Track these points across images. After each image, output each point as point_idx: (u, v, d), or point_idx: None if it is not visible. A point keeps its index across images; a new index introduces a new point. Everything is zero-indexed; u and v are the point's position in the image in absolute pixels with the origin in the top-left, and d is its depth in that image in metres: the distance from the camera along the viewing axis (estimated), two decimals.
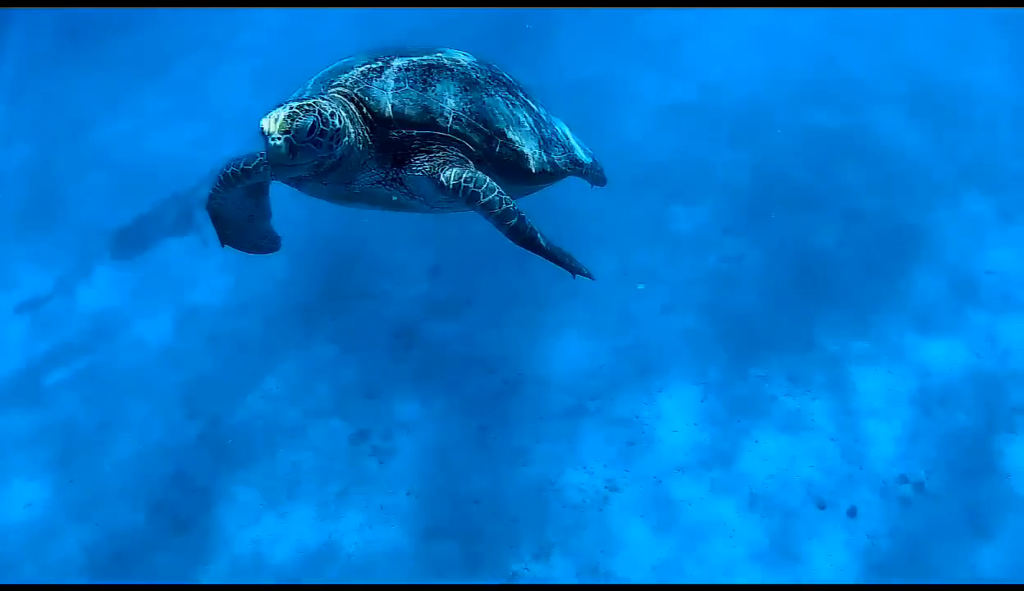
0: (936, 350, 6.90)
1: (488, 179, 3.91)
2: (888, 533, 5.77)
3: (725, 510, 6.00)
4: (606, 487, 6.22)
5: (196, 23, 14.08)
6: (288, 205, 8.39)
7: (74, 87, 13.15)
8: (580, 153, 4.87)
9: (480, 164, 4.03)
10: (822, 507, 5.94)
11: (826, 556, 5.71)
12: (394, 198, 4.18)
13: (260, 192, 4.58)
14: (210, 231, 8.99)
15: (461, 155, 4.00)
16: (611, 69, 10.49)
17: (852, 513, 5.88)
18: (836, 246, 7.74)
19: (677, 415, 6.57)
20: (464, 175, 3.87)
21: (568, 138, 4.82)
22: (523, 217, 3.91)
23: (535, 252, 3.95)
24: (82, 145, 11.64)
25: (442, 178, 3.89)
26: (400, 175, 4.01)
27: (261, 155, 4.06)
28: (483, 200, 3.86)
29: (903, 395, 6.57)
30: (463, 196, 3.89)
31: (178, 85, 12.63)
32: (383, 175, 4.03)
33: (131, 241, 9.70)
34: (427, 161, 3.94)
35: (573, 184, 5.17)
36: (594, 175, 5.19)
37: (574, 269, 4.05)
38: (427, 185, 3.98)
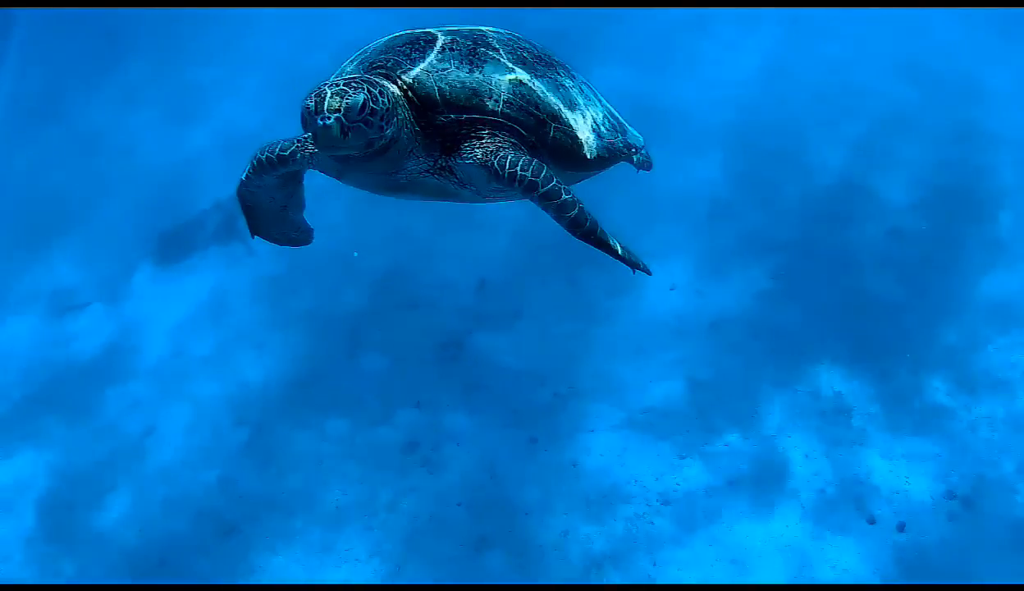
0: (978, 368, 6.92)
1: (545, 167, 3.63)
2: (935, 547, 5.79)
3: (776, 524, 6.04)
4: (658, 500, 6.26)
5: (227, 29, 14.28)
6: (332, 215, 8.54)
7: (113, 94, 13.38)
8: (633, 134, 4.53)
9: (534, 151, 3.74)
10: (872, 522, 5.96)
11: (874, 570, 5.74)
12: (443, 188, 3.92)
13: (294, 181, 4.31)
14: (254, 240, 9.16)
15: (513, 141, 3.73)
16: (655, 83, 10.51)
17: (901, 528, 5.91)
18: (879, 264, 7.77)
19: (727, 429, 6.61)
20: (520, 163, 3.59)
21: (619, 118, 4.48)
22: (583, 208, 3.61)
23: (594, 245, 3.63)
24: (124, 153, 11.83)
25: (496, 166, 3.62)
26: (449, 163, 3.75)
27: (298, 141, 3.87)
28: (541, 190, 3.57)
29: (951, 413, 6.59)
30: (519, 186, 3.60)
31: (217, 91, 12.79)
32: (431, 163, 3.78)
33: (174, 248, 9.79)
34: (478, 148, 3.69)
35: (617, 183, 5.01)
36: (642, 158, 4.88)
37: (633, 264, 3.72)
38: (479, 174, 3.70)
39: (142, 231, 10.04)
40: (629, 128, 4.45)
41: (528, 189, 3.56)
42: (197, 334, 8.54)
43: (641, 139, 4.50)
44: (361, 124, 3.34)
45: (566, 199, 3.56)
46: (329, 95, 3.27)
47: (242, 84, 12.73)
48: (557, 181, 3.57)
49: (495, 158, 3.60)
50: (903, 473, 6.21)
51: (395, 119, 3.48)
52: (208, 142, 11.24)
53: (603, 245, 3.59)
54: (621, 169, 4.43)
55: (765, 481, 6.26)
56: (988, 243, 8.00)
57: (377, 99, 3.38)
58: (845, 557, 5.80)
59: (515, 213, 8.49)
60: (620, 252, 3.63)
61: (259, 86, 12.33)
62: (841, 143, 9.41)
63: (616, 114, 4.41)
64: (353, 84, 3.34)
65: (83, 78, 14.05)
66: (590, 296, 7.80)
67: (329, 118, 3.28)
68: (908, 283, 7.60)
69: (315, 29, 13.01)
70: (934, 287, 7.53)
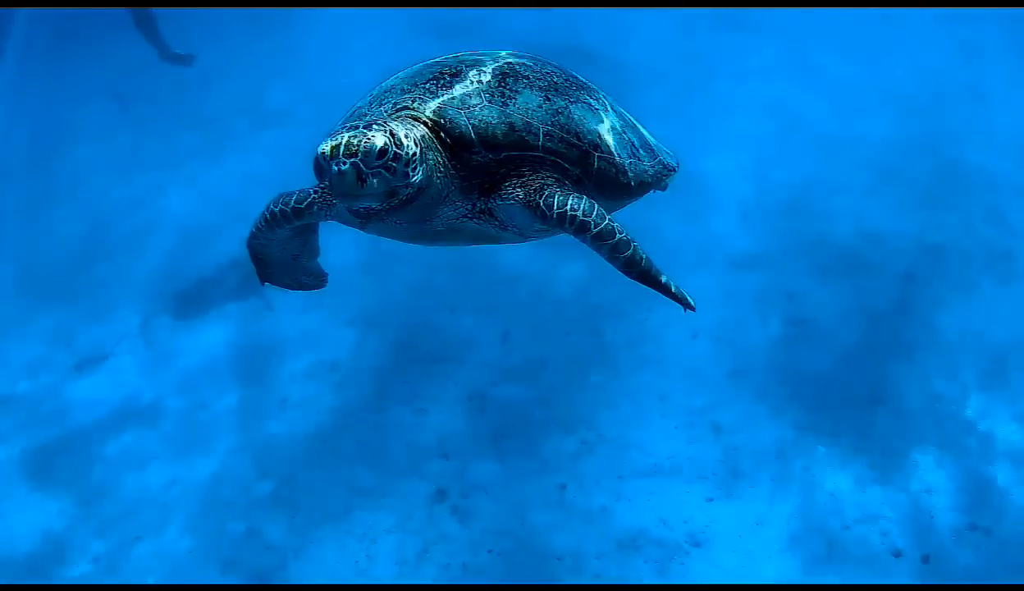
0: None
1: (596, 205, 3.39)
2: (960, 577, 5.93)
3: (804, 561, 6.15)
4: (687, 542, 6.35)
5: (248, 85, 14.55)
6: (350, 270, 8.67)
7: (136, 147, 13.59)
8: (667, 154, 4.23)
9: (578, 184, 3.55)
10: (897, 555, 6.10)
11: None
12: (483, 232, 3.66)
13: (309, 231, 4.10)
14: (273, 296, 9.25)
15: (556, 176, 3.48)
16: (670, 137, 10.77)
17: (926, 560, 6.05)
18: (895, 309, 7.96)
19: (754, 471, 6.74)
20: (569, 202, 3.34)
21: (650, 138, 4.19)
22: (637, 246, 3.40)
23: (648, 284, 3.45)
24: (142, 206, 11.98)
25: (542, 206, 3.37)
26: (489, 205, 3.51)
27: (314, 192, 3.65)
28: (594, 230, 3.35)
29: (968, 450, 6.78)
30: (570, 227, 3.37)
31: (237, 146, 12.98)
32: (470, 207, 3.52)
33: (192, 304, 9.82)
34: (519, 187, 3.43)
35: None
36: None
37: (683, 300, 3.51)
38: (522, 215, 3.47)
39: (159, 286, 10.12)
40: (661, 147, 4.21)
41: (580, 230, 3.35)
42: (217, 388, 8.55)
43: (675, 159, 4.25)
44: (382, 170, 3.08)
45: (620, 238, 3.36)
46: (345, 138, 3.04)
47: (265, 136, 12.83)
48: (610, 219, 3.37)
49: (540, 197, 3.37)
50: (925, 507, 6.37)
51: (424, 165, 3.23)
52: (227, 195, 11.35)
53: (656, 283, 3.43)
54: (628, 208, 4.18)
55: (794, 519, 6.38)
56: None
57: (401, 143, 3.12)
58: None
59: (536, 267, 8.74)
60: (673, 290, 3.46)
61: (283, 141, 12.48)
62: (851, 191, 9.69)
63: (646, 133, 4.18)
64: (373, 126, 3.11)
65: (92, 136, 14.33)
66: (613, 346, 7.94)
67: (345, 163, 3.03)
68: (924, 324, 7.81)
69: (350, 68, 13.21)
70: (949, 327, 7.75)
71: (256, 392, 8.38)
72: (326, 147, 3.07)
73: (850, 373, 7.38)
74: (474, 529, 6.69)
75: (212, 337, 9.27)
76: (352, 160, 3.04)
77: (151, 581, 6.75)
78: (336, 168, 3.04)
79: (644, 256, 3.41)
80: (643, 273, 3.42)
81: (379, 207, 3.24)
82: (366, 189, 3.08)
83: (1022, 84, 11.51)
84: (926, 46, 12.43)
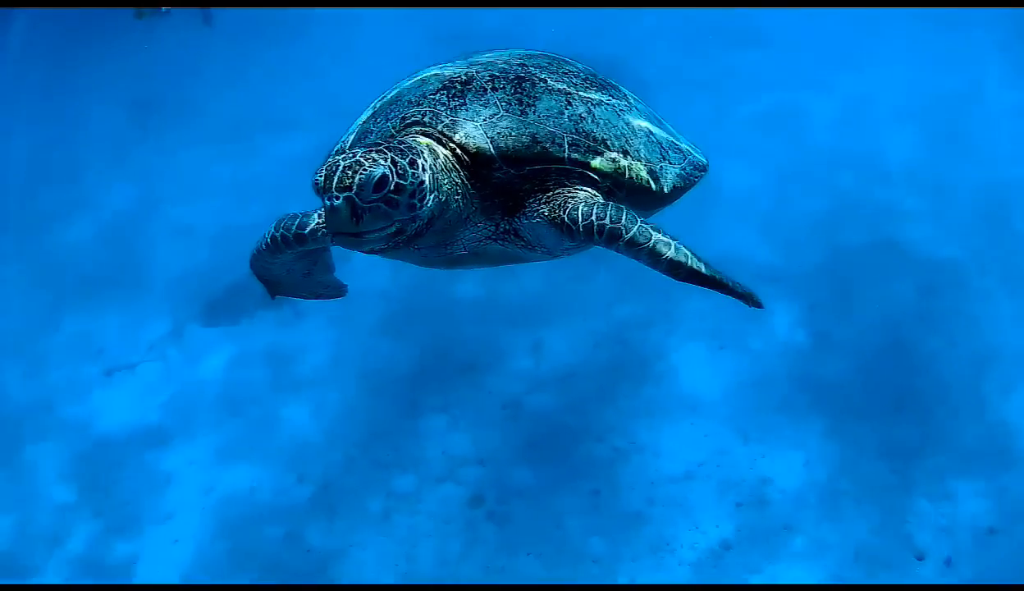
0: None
1: (625, 209, 3.08)
2: (982, 580, 6.17)
3: (831, 564, 6.40)
4: (719, 546, 6.60)
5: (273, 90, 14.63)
6: (380, 279, 8.82)
7: (168, 155, 13.71)
8: (696, 153, 3.86)
9: (610, 196, 3.24)
10: (921, 558, 6.35)
11: None
12: (509, 253, 3.38)
13: (319, 250, 3.71)
14: (304, 304, 9.43)
15: (585, 188, 3.18)
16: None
17: (948, 563, 6.30)
18: (916, 319, 8.22)
19: (781, 478, 6.99)
20: (595, 211, 3.04)
21: (677, 136, 3.84)
22: (679, 245, 3.07)
23: (702, 285, 3.12)
24: (172, 212, 12.14)
25: (567, 221, 3.07)
26: (514, 225, 3.22)
27: (318, 217, 3.32)
28: (626, 237, 3.03)
29: (990, 456, 7.00)
30: (600, 238, 3.06)
31: (265, 150, 13.19)
32: (493, 228, 3.23)
33: (222, 310, 9.96)
34: (544, 203, 3.13)
35: None
36: None
37: (746, 296, 3.18)
38: (549, 233, 3.18)
39: (189, 293, 10.25)
40: (690, 146, 3.86)
41: (611, 239, 3.05)
42: (251, 395, 8.72)
43: (704, 156, 3.90)
44: (380, 204, 2.72)
45: (657, 240, 3.04)
46: (340, 168, 2.67)
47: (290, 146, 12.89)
48: (642, 222, 3.07)
49: (564, 212, 3.08)
50: (948, 512, 6.62)
51: (435, 192, 2.90)
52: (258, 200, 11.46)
53: (711, 282, 3.10)
54: None
55: (822, 524, 6.63)
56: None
57: (405, 172, 2.76)
58: None
59: (564, 277, 8.94)
60: (731, 286, 3.13)
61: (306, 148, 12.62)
62: (872, 203, 9.95)
63: (672, 129, 3.85)
64: (373, 152, 2.74)
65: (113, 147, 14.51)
66: (641, 356, 8.18)
67: (338, 197, 2.65)
68: (943, 334, 8.05)
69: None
70: (970, 337, 7.99)
71: (290, 398, 8.56)
72: (319, 176, 2.72)
73: (873, 382, 7.63)
74: (511, 533, 6.92)
75: (243, 344, 9.45)
76: (346, 194, 2.65)
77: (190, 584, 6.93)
78: (328, 202, 2.67)
79: (689, 254, 3.07)
80: (692, 274, 3.06)
81: (380, 247, 2.88)
82: (363, 226, 2.72)
83: None
84: (947, 56, 12.61)
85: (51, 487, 7.94)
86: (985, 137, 10.78)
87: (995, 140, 10.66)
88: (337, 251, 3.63)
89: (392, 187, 2.72)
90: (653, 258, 3.05)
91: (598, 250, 3.27)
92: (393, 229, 2.80)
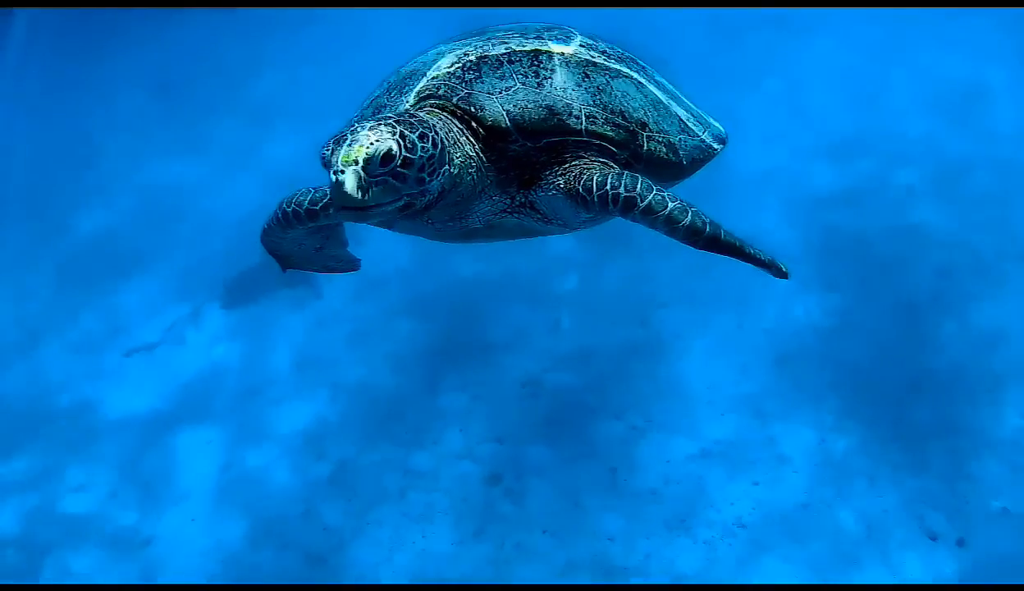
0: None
1: (640, 177, 3.04)
2: (993, 559, 6.18)
3: (845, 543, 6.42)
4: (735, 524, 6.63)
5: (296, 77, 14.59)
6: (400, 257, 8.83)
7: (185, 141, 13.79)
8: (715, 125, 3.81)
9: (628, 168, 3.20)
10: (934, 538, 6.36)
11: (936, 581, 6.15)
12: (525, 226, 3.36)
13: (330, 226, 3.68)
14: (322, 284, 9.44)
15: (603, 160, 3.16)
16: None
17: (961, 543, 6.31)
18: (932, 302, 8.21)
19: (797, 457, 7.01)
20: (610, 180, 3.01)
21: (696, 108, 3.80)
22: (696, 212, 3.01)
23: (721, 252, 3.05)
24: (194, 197, 12.22)
25: (582, 191, 3.04)
26: (530, 197, 3.20)
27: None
28: (642, 205, 2.99)
29: (1002, 440, 7.01)
30: (615, 207, 3.02)
31: (284, 135, 13.19)
32: (509, 201, 3.21)
33: (241, 292, 10.05)
34: (560, 176, 3.11)
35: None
36: None
37: (769, 264, 3.10)
38: (564, 205, 3.17)
39: (209, 274, 10.32)
40: (709, 118, 3.81)
41: (627, 208, 3.01)
42: (269, 375, 8.78)
43: (723, 129, 3.83)
44: (389, 178, 2.69)
45: (673, 207, 3.00)
46: (347, 142, 2.64)
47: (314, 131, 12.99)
48: (658, 189, 3.03)
49: (579, 183, 3.06)
50: (961, 492, 6.62)
51: (447, 165, 2.88)
52: (276, 182, 11.55)
53: (733, 250, 3.04)
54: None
55: (836, 503, 6.66)
56: None
57: (414, 145, 2.72)
58: (911, 570, 6.21)
59: (584, 256, 8.96)
60: (753, 254, 3.07)
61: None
62: (891, 187, 9.93)
63: (690, 103, 3.79)
64: (381, 127, 2.70)
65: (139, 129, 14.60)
66: (660, 335, 8.21)
67: (343, 171, 2.61)
68: (960, 316, 8.03)
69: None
70: (986, 320, 7.97)
71: (310, 377, 8.60)
72: (326, 150, 2.69)
73: (889, 362, 7.62)
74: (528, 510, 6.95)
75: (261, 326, 9.51)
76: (353, 168, 2.61)
77: (207, 562, 6.97)
78: (333, 176, 2.63)
79: (707, 221, 3.01)
80: (711, 241, 3.01)
81: (389, 219, 2.88)
82: (369, 200, 2.66)
83: None
84: (971, 46, 12.54)
85: (69, 468, 8.02)
86: (1004, 120, 10.72)
87: (1014, 123, 10.60)
88: (354, 227, 3.62)
89: (400, 161, 2.69)
90: (670, 226, 3.00)
91: (617, 228, 3.30)
92: (402, 203, 2.77)
